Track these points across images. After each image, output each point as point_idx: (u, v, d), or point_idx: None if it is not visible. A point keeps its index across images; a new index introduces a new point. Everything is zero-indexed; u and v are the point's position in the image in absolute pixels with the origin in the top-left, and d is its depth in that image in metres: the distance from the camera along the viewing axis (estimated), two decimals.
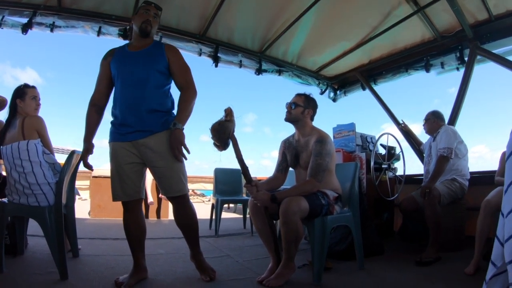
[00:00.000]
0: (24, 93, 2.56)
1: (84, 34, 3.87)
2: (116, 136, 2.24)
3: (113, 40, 3.96)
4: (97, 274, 2.34)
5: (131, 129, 2.19)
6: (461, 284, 2.30)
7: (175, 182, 2.22)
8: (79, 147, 2.34)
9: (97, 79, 2.36)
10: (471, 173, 3.45)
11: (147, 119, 2.19)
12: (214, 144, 2.29)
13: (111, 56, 2.32)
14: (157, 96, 2.25)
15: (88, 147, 2.29)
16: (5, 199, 2.43)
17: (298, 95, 2.66)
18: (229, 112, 2.28)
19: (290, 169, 2.76)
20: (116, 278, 2.14)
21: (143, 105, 2.19)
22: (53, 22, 3.68)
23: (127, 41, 3.84)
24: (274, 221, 2.48)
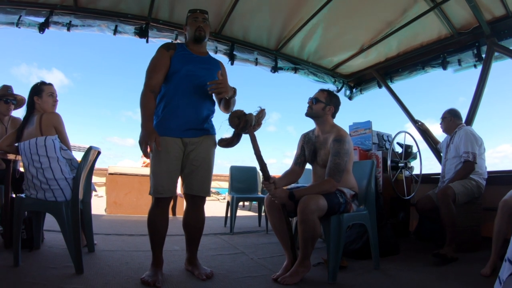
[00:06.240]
0: (41, 90, 2.61)
1: (101, 33, 3.91)
2: (167, 130, 2.22)
3: (129, 39, 4.00)
4: (112, 269, 2.36)
5: (187, 126, 2.26)
6: (477, 285, 2.25)
7: (207, 184, 2.38)
8: (103, 147, 2.33)
9: (155, 66, 2.27)
10: (489, 172, 3.38)
11: (203, 120, 2.33)
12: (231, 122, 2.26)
13: (174, 51, 2.32)
14: (211, 102, 2.41)
15: (152, 132, 2.09)
16: (22, 194, 2.47)
17: (321, 90, 2.63)
18: (261, 112, 2.28)
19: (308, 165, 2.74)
20: (142, 277, 2.10)
21: (203, 107, 2.32)
22: (70, 21, 3.74)
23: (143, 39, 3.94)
24: (291, 219, 2.46)
